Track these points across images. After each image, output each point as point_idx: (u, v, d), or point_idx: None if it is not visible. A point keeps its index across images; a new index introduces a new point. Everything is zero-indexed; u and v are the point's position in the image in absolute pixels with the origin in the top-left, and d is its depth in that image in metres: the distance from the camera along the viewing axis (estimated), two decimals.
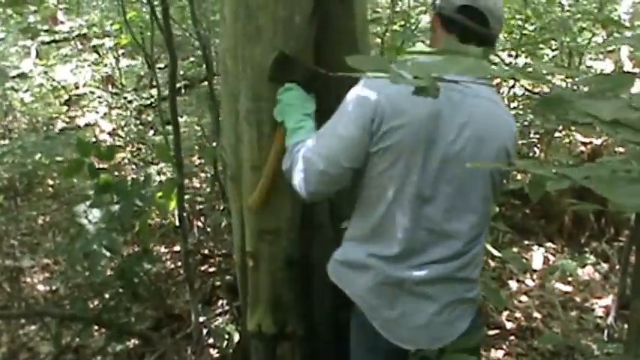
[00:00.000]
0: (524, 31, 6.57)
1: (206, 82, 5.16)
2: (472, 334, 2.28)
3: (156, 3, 4.15)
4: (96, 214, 3.64)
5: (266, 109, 2.39)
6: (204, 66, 5.03)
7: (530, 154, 6.80)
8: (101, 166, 4.61)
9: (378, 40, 5.51)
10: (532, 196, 1.73)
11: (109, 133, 8.36)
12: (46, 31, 9.82)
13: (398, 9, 6.35)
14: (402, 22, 5.97)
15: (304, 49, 2.39)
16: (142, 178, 3.77)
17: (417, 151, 2.03)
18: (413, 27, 5.64)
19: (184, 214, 3.78)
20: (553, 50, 7.57)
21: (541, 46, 7.32)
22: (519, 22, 6.48)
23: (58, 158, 6.11)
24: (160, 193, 3.66)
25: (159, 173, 5.63)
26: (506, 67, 1.15)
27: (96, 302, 4.26)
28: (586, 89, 1.17)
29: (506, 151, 2.17)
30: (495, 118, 2.17)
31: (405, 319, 2.18)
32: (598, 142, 6.50)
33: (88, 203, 3.70)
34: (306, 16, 2.36)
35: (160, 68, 6.71)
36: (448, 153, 2.05)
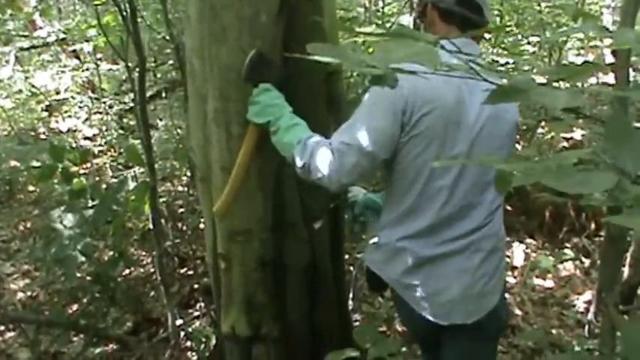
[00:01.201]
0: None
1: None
2: (500, 310, 2.42)
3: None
4: (70, 218, 3.61)
5: (234, 109, 2.38)
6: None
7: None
8: (80, 170, 4.59)
9: (353, 39, 5.51)
10: (499, 190, 1.72)
11: (89, 138, 8.32)
12: (25, 36, 9.76)
13: (374, 8, 6.37)
14: (378, 22, 5.97)
15: (271, 48, 2.37)
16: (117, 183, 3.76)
17: (446, 135, 2.16)
18: (388, 26, 5.63)
19: (158, 217, 3.76)
20: (533, 46, 7.59)
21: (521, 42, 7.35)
22: (497, 18, 6.50)
23: (36, 164, 6.07)
24: (133, 197, 3.64)
25: (135, 177, 5.60)
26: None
27: (74, 307, 4.23)
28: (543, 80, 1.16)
29: (516, 124, 2.37)
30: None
31: (439, 296, 2.28)
32: (578, 137, 6.52)
33: (62, 208, 3.68)
34: (273, 14, 2.34)
35: (138, 72, 6.68)
36: (472, 133, 2.19)
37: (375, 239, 2.40)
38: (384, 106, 2.12)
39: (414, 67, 1.08)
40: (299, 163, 2.21)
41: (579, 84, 2.59)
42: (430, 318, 2.30)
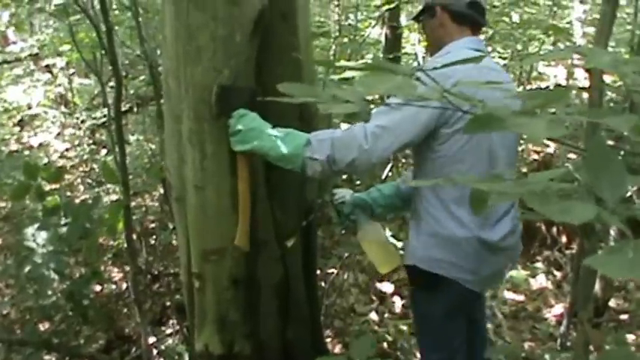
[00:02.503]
0: None
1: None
2: None
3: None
4: (43, 236, 3.60)
5: (208, 129, 2.39)
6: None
7: None
8: (52, 186, 4.56)
9: (327, 53, 5.55)
10: (475, 211, 1.75)
11: (62, 156, 8.26)
12: None
13: (346, 22, 6.41)
14: (351, 35, 6.01)
15: (245, 68, 2.39)
16: (91, 200, 3.74)
17: None
18: (360, 40, 5.67)
19: (133, 235, 3.75)
20: (504, 59, 7.66)
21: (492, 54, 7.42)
22: None
23: (8, 180, 6.02)
24: (107, 215, 3.63)
25: (107, 193, 5.58)
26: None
27: (47, 325, 4.20)
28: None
29: None
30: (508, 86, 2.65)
31: (486, 271, 2.55)
32: (550, 150, 6.59)
33: (36, 226, 3.66)
34: (247, 34, 2.36)
35: (111, 87, 6.65)
36: None
37: (429, 235, 2.52)
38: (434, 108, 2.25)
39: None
40: (320, 159, 2.28)
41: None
42: (475, 289, 2.57)
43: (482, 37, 5.95)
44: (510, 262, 2.77)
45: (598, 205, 0.98)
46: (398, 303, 4.69)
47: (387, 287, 4.83)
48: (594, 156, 1.06)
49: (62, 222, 3.69)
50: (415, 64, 7.74)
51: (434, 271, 2.51)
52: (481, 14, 2.60)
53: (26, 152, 8.34)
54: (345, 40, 6.06)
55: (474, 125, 1.14)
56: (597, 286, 4.28)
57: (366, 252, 2.92)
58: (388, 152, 2.35)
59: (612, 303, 4.62)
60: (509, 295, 4.98)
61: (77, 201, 6.03)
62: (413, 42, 6.94)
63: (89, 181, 7.25)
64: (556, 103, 1.16)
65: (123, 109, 6.27)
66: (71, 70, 9.34)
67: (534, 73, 8.59)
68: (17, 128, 9.48)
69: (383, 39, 7.29)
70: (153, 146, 6.34)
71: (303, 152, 2.28)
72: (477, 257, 2.48)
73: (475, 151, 2.41)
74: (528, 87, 8.00)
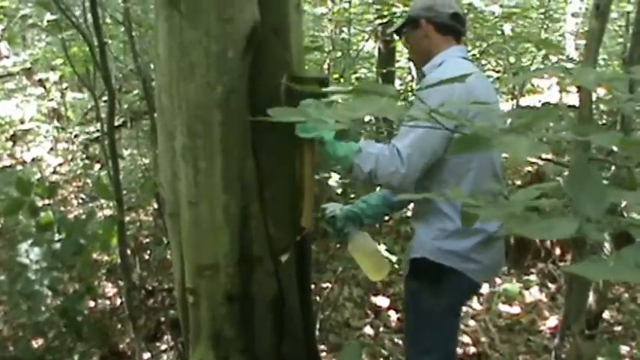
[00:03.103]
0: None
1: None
2: None
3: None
4: (37, 252, 3.59)
5: (201, 145, 2.40)
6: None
7: None
8: (45, 202, 4.55)
9: (321, 68, 5.55)
10: (465, 225, 1.76)
11: (55, 172, 8.24)
12: None
13: (339, 36, 6.42)
14: (344, 50, 6.02)
15: (238, 84, 2.39)
16: (84, 216, 3.73)
17: None
18: (354, 54, 5.68)
19: (127, 250, 3.75)
20: (497, 72, 7.70)
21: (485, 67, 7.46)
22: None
23: (1, 196, 6.00)
24: (100, 231, 3.62)
25: (101, 208, 5.56)
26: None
27: (40, 342, 4.17)
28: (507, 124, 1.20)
29: None
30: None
31: (487, 262, 2.73)
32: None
33: (29, 242, 3.65)
34: (240, 50, 2.37)
35: (104, 101, 6.66)
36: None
37: (440, 230, 2.67)
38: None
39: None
40: (365, 170, 2.50)
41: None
42: (478, 280, 2.78)
43: (475, 50, 6.00)
44: (501, 253, 2.93)
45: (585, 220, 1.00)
46: (393, 317, 4.69)
47: (382, 301, 4.83)
48: (576, 172, 1.08)
49: (56, 238, 3.68)
50: (409, 77, 7.77)
51: (443, 263, 2.65)
52: (462, 24, 2.83)
53: (19, 167, 8.32)
54: (339, 54, 6.07)
55: (460, 146, 1.16)
56: (591, 298, 4.29)
57: (358, 262, 3.02)
58: (421, 168, 2.52)
59: (606, 315, 4.62)
60: (503, 307, 4.99)
61: (71, 216, 6.02)
62: (407, 56, 6.95)
63: (83, 196, 7.24)
64: (543, 121, 1.18)
65: (116, 123, 6.30)
66: (64, 85, 9.33)
67: (528, 86, 8.63)
68: (10, 143, 9.46)
69: (376, 53, 7.31)
70: (147, 161, 6.34)
71: (353, 158, 2.50)
72: (480, 248, 2.66)
73: (481, 155, 2.62)
74: (522, 100, 8.02)
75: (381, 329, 4.54)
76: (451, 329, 2.88)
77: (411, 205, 3.41)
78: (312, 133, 2.47)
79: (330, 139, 2.51)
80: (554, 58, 8.08)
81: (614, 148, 1.26)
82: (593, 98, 2.61)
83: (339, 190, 4.93)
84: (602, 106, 6.83)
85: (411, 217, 2.95)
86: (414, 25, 2.79)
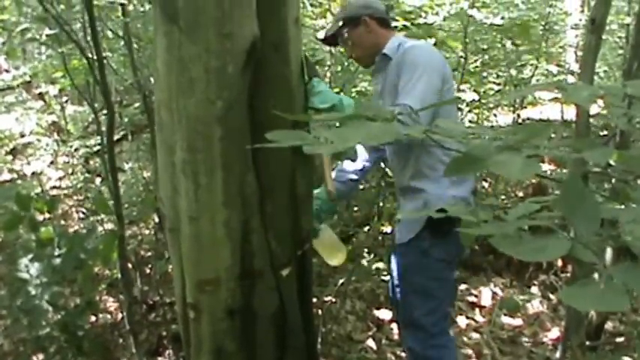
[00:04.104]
0: (469, 66, 6.66)
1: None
2: None
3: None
4: (37, 267, 3.58)
5: (201, 160, 2.40)
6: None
7: (479, 186, 6.89)
8: (46, 214, 4.54)
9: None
10: (465, 244, 1.76)
11: (55, 187, 8.24)
12: None
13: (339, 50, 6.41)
14: (345, 64, 6.00)
15: (238, 99, 2.40)
16: (85, 230, 3.73)
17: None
18: (353, 69, 5.68)
19: (128, 265, 3.74)
20: (498, 85, 7.69)
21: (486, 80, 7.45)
22: (462, 59, 6.57)
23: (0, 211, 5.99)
24: (101, 246, 3.62)
25: (101, 222, 5.56)
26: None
27: (41, 357, 4.16)
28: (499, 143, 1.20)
29: None
30: None
31: None
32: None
33: (29, 257, 3.64)
34: (239, 65, 2.38)
35: (104, 114, 6.67)
36: None
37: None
38: (435, 74, 2.82)
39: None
40: None
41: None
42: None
43: (478, 62, 6.00)
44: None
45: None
46: (395, 330, 4.67)
47: (384, 314, 4.81)
48: (570, 191, 1.08)
49: (56, 252, 3.68)
50: None
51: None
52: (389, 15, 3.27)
53: (19, 181, 8.32)
54: (339, 68, 6.07)
55: (455, 167, 1.16)
56: (593, 310, 4.28)
57: (319, 251, 3.07)
58: (430, 118, 2.67)
59: (608, 325, 4.60)
60: (505, 319, 4.97)
61: (71, 230, 6.02)
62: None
63: (83, 210, 7.23)
64: (538, 138, 1.18)
65: (117, 136, 6.30)
66: (64, 98, 9.34)
67: (529, 98, 8.63)
68: (10, 157, 9.46)
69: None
70: (147, 174, 6.34)
71: None
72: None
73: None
74: (522, 112, 8.02)
75: (383, 342, 4.52)
76: (452, 284, 3.24)
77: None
78: (328, 103, 2.67)
79: (349, 103, 2.72)
80: (554, 70, 8.08)
81: (612, 162, 1.26)
82: (592, 112, 2.63)
83: None
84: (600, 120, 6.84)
85: (412, 180, 3.04)
86: (354, 24, 3.07)
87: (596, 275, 1.00)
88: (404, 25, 5.23)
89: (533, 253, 0.98)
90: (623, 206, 1.40)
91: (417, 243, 2.97)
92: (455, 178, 2.92)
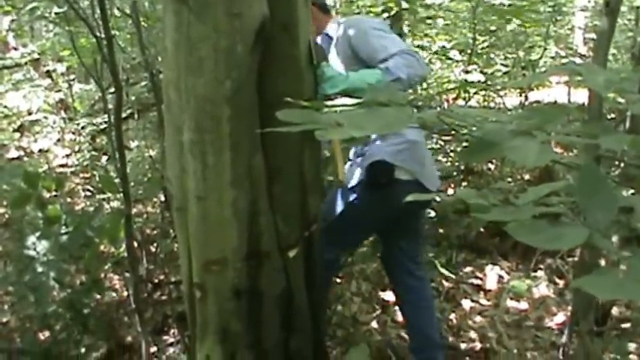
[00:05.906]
0: (477, 47, 6.63)
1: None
2: None
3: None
4: (44, 244, 3.59)
5: (209, 140, 2.39)
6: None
7: (485, 168, 6.88)
8: (52, 192, 4.55)
9: None
10: (474, 226, 1.75)
11: (62, 165, 8.24)
12: None
13: None
14: None
15: (247, 79, 2.38)
16: (91, 208, 3.73)
17: None
18: None
19: (133, 243, 3.74)
20: (506, 67, 7.66)
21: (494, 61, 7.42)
22: (470, 40, 6.54)
23: (8, 187, 5.99)
24: (107, 224, 3.62)
25: (108, 201, 5.56)
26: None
27: (47, 334, 4.17)
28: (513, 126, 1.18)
29: None
30: None
31: (429, 171, 3.36)
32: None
33: (37, 234, 3.65)
34: (249, 45, 2.36)
35: (111, 93, 6.65)
36: None
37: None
38: (381, 23, 3.23)
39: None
40: (402, 76, 2.90)
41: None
42: (423, 182, 3.22)
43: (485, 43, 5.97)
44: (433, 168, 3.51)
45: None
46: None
47: (389, 296, 4.81)
48: (586, 180, 1.06)
49: (63, 230, 3.68)
50: None
51: (397, 164, 3.16)
52: None
53: (26, 159, 8.33)
54: None
55: (470, 153, 1.14)
56: None
57: (336, 159, 3.19)
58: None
59: (615, 311, 4.59)
60: (511, 303, 4.96)
61: (78, 208, 6.02)
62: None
63: (90, 188, 7.23)
64: (552, 123, 1.16)
65: (124, 115, 6.28)
66: (72, 76, 9.33)
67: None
68: (17, 134, 9.46)
69: None
70: (154, 153, 6.33)
71: (384, 79, 2.86)
72: (422, 156, 3.29)
73: None
74: (530, 94, 7.97)
75: (389, 324, 4.52)
76: (366, 234, 3.80)
77: None
78: (338, 87, 2.77)
79: (356, 85, 2.81)
80: (563, 52, 8.04)
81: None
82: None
83: None
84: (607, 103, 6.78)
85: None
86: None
87: (602, 262, 0.98)
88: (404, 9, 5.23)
89: (550, 241, 0.96)
90: (632, 191, 1.39)
91: (360, 189, 3.28)
92: (398, 143, 3.20)
